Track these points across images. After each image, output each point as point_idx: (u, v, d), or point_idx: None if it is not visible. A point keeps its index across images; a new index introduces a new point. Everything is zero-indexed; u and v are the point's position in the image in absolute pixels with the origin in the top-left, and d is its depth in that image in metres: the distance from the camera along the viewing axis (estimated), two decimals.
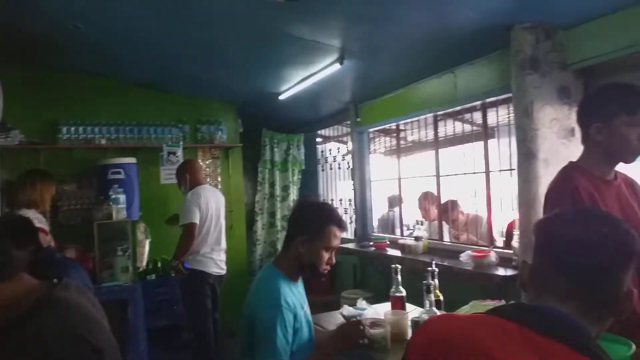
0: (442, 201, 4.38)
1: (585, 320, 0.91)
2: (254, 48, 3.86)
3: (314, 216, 1.97)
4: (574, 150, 2.91)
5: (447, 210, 4.39)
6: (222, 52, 4.09)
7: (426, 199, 4.73)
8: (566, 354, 0.78)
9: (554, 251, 0.97)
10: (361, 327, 1.87)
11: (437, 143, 4.32)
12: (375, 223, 5.52)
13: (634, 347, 1.34)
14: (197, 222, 3.99)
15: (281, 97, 4.97)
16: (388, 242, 4.67)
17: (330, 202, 6.08)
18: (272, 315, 1.81)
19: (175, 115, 5.41)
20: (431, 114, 4.26)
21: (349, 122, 5.42)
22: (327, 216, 1.96)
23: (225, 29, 3.51)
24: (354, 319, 2.10)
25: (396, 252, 4.31)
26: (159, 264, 4.85)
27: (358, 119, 5.17)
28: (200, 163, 5.31)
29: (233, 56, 4.16)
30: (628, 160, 1.82)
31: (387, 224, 5.47)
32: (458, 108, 3.91)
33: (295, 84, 4.56)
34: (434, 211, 4.62)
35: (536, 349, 0.79)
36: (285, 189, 6.17)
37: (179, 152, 5.11)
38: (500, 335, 0.83)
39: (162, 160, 5.07)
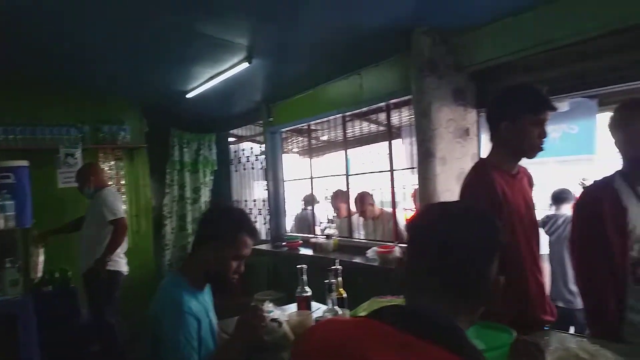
0: (355, 196, 4.48)
1: (460, 315, 0.94)
2: (158, 44, 3.70)
3: (226, 223, 1.88)
4: (469, 149, 3.12)
5: (359, 202, 4.49)
6: (122, 47, 3.87)
7: (338, 197, 4.82)
8: (441, 356, 0.81)
9: (423, 248, 0.98)
10: (260, 313, 1.84)
11: (346, 143, 4.42)
12: (291, 222, 5.54)
13: (515, 333, 1.45)
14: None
15: (189, 96, 4.81)
16: (301, 242, 4.69)
17: (243, 206, 6.01)
18: (175, 323, 1.73)
19: (73, 115, 5.05)
20: (340, 115, 4.34)
21: (261, 122, 5.38)
22: (240, 224, 1.88)
23: (124, 23, 3.33)
24: (253, 306, 2.06)
25: (309, 251, 4.34)
26: (57, 274, 4.50)
27: (270, 119, 5.15)
28: (102, 165, 5.00)
29: (134, 51, 3.95)
30: (531, 155, 1.98)
31: (303, 223, 5.50)
32: (365, 109, 4.02)
33: (203, 82, 4.43)
34: (345, 209, 4.72)
35: (412, 352, 0.81)
36: (197, 190, 5.98)
37: (78, 154, 4.77)
38: (379, 339, 0.83)
39: (58, 162, 4.71)
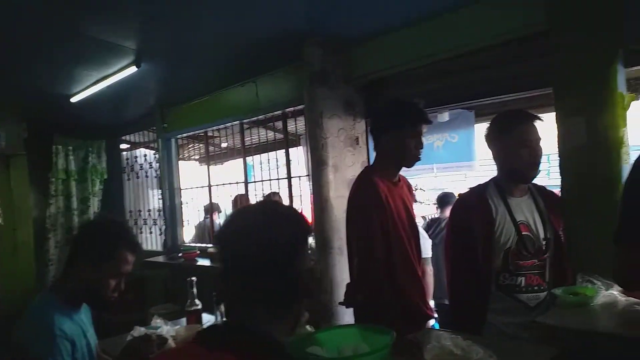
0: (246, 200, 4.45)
1: (275, 318, 0.94)
2: (32, 41, 3.39)
3: (103, 238, 1.75)
4: (359, 157, 3.24)
5: (237, 204, 4.47)
6: None
7: (237, 202, 4.75)
8: None
9: (225, 257, 0.97)
10: (150, 342, 1.76)
11: (244, 150, 4.38)
12: (192, 232, 5.36)
13: (394, 335, 1.52)
14: None
15: (74, 100, 4.48)
16: (198, 252, 4.56)
17: (138, 216, 5.72)
18: (44, 349, 1.59)
19: None
20: (238, 122, 4.30)
21: (155, 128, 5.16)
22: (119, 239, 1.76)
23: None
24: (144, 334, 1.97)
25: (207, 262, 4.23)
26: None
27: (165, 125, 4.96)
28: None
29: (3, 48, 3.59)
30: (409, 164, 2.12)
31: (204, 233, 5.35)
32: (261, 117, 4.02)
33: (88, 85, 4.15)
34: None
35: None
36: (84, 201, 5.57)
37: None
38: None
39: None
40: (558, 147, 2.15)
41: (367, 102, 3.23)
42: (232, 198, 4.84)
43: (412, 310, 2.00)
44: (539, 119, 2.00)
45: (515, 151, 1.95)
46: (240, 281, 0.94)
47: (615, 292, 1.66)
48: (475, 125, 3.93)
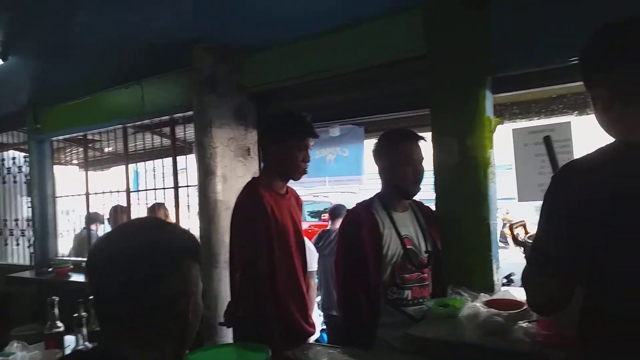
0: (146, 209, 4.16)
1: (149, 344, 0.89)
2: None
3: None
4: (250, 167, 3.18)
5: (114, 216, 4.20)
6: None
7: (117, 213, 4.41)
8: None
9: (93, 282, 0.91)
10: None
11: (127, 156, 4.10)
12: (70, 244, 4.88)
13: (269, 353, 1.47)
14: None
15: None
16: (71, 267, 4.15)
17: (2, 226, 5.09)
18: None
19: None
20: (121, 126, 4.02)
21: (27, 128, 4.65)
22: None
23: None
24: None
25: (82, 278, 3.86)
26: None
27: (38, 125, 4.48)
28: None
29: None
30: (296, 177, 2.10)
31: (83, 245, 4.88)
32: (147, 121, 3.80)
33: None
34: None
35: None
36: None
37: None
38: None
39: None
40: (433, 165, 2.27)
41: (259, 113, 3.19)
42: (111, 209, 4.49)
43: (293, 327, 1.97)
44: (423, 139, 2.10)
45: (399, 168, 2.04)
46: (107, 305, 0.90)
47: (478, 304, 1.77)
48: (365, 140, 4.05)
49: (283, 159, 2.03)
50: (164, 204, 4.03)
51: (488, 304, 1.78)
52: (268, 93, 3.11)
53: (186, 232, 1.01)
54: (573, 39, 1.78)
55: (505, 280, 3.59)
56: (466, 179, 2.18)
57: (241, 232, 1.94)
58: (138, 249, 0.90)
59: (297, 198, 2.25)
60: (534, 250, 1.13)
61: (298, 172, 2.06)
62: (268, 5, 2.55)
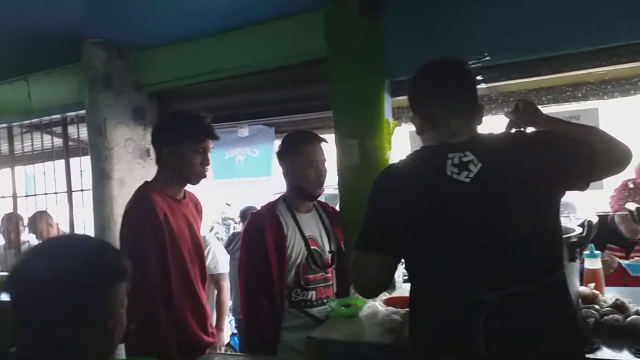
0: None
1: None
2: None
3: None
4: (150, 170, 3.00)
5: (35, 223, 3.81)
6: None
7: (36, 220, 3.96)
8: None
9: (14, 304, 0.87)
10: None
11: (13, 158, 3.73)
12: None
13: None
14: None
15: None
16: None
17: None
18: None
19: None
20: (5, 125, 3.65)
21: None
22: None
23: None
24: None
25: None
26: None
27: None
28: None
29: None
30: (194, 182, 1.97)
31: None
32: (36, 120, 3.48)
33: None
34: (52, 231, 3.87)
35: None
36: None
37: None
38: None
39: None
40: (337, 166, 2.30)
41: (161, 112, 3.03)
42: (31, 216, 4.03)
43: (190, 338, 1.88)
44: (324, 140, 2.11)
45: (302, 170, 2.03)
46: (32, 327, 0.87)
47: (376, 303, 1.81)
48: (275, 141, 4.03)
49: (178, 162, 1.90)
50: (46, 212, 3.70)
51: (387, 302, 1.83)
52: (169, 92, 2.98)
53: (115, 251, 1.02)
54: (463, 48, 1.91)
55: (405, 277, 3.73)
56: (368, 180, 2.22)
57: (130, 241, 1.81)
58: (69, 271, 0.87)
59: (197, 203, 2.14)
60: (373, 234, 1.27)
61: (195, 176, 1.96)
62: (165, 1, 2.42)
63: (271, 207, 2.09)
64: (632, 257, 2.41)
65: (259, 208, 4.14)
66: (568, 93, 1.95)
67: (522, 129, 1.42)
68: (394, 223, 1.21)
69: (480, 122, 1.31)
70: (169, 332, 1.78)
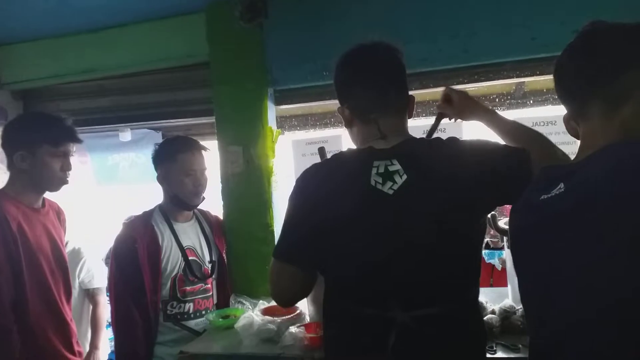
0: None
1: None
2: None
3: None
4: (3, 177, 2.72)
5: None
6: None
7: None
8: None
9: None
10: None
11: None
12: None
13: None
14: None
15: None
16: None
17: None
18: None
19: None
20: None
21: None
22: None
23: None
24: None
25: None
26: None
27: None
28: None
29: None
30: (53, 189, 1.79)
31: None
32: None
33: None
34: None
35: None
36: None
37: None
38: None
39: None
40: (220, 173, 2.24)
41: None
42: None
43: (52, 357, 1.72)
44: (204, 148, 2.04)
45: (178, 179, 1.94)
46: None
47: (253, 313, 1.78)
48: None
49: (34, 167, 1.72)
50: None
51: (264, 311, 1.81)
52: (36, 91, 2.73)
53: None
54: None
55: None
56: (251, 188, 2.21)
57: None
58: None
59: (59, 212, 1.96)
60: (291, 247, 1.17)
61: (55, 182, 1.79)
62: None
63: (146, 217, 1.98)
64: None
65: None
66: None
67: (453, 120, 1.40)
68: (311, 233, 1.11)
69: (410, 116, 1.22)
70: (25, 354, 1.61)
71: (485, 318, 1.58)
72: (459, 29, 1.95)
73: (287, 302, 1.26)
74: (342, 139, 2.17)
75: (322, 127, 2.25)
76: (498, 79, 1.97)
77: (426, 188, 1.06)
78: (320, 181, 1.15)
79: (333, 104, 2.24)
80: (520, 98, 2.09)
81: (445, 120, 1.45)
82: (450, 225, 1.04)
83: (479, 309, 1.17)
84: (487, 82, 1.98)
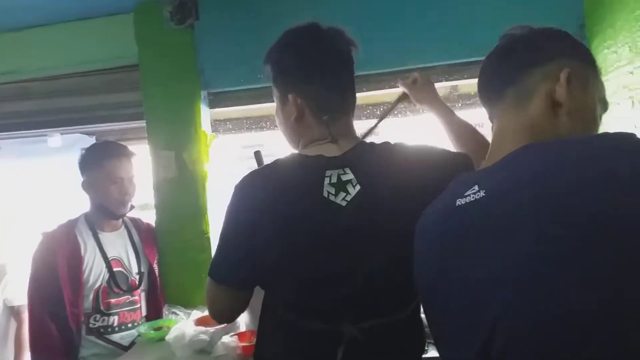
0: None
1: None
2: None
3: None
4: None
5: None
6: None
7: None
8: None
9: None
10: None
11: None
12: None
13: None
14: None
15: None
16: None
17: None
18: None
19: None
20: None
21: None
22: None
23: None
24: None
25: None
26: None
27: None
28: None
29: None
30: None
31: None
32: None
33: None
34: None
35: None
36: None
37: None
38: None
39: None
40: (152, 179, 2.17)
41: None
42: None
43: None
44: (132, 154, 1.96)
45: (103, 187, 1.87)
46: None
47: (185, 324, 1.72)
48: None
49: None
50: None
51: (198, 321, 1.76)
52: None
53: None
54: None
55: None
56: (185, 194, 2.14)
57: None
58: None
59: None
60: (226, 261, 1.08)
61: None
62: None
63: (69, 226, 1.89)
64: None
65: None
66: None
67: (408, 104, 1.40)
68: (251, 251, 1.02)
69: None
70: None
71: None
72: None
73: (226, 320, 1.21)
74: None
75: (258, 131, 2.22)
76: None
77: (376, 202, 1.00)
78: (262, 192, 1.03)
79: (269, 107, 2.23)
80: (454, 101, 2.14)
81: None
82: (398, 241, 0.94)
83: (420, 318, 1.09)
84: None
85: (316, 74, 1.07)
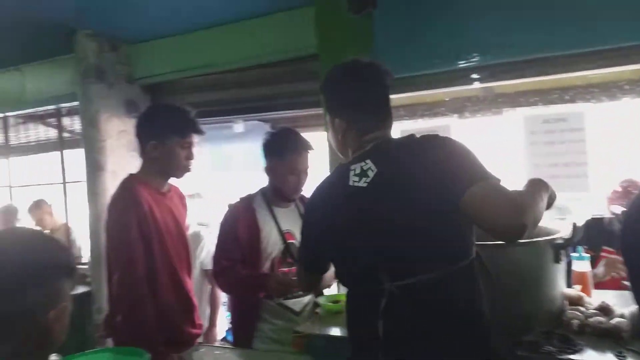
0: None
1: (12, 357, 0.89)
2: None
3: None
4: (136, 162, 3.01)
5: (33, 211, 3.80)
6: None
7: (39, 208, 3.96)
8: None
9: None
10: None
11: (8, 149, 3.73)
12: None
13: (149, 357, 1.40)
14: None
15: None
16: None
17: None
18: None
19: None
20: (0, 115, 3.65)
21: None
22: None
23: None
24: None
25: None
26: None
27: None
28: None
29: None
30: (178, 175, 1.96)
31: None
32: (31, 111, 3.48)
33: None
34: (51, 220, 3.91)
35: None
36: None
37: None
38: None
39: None
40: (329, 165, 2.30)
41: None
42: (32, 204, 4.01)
43: (176, 330, 1.89)
44: (311, 148, 2.10)
45: (282, 175, 2.02)
46: None
47: None
48: None
49: (163, 156, 1.87)
50: (44, 200, 3.68)
51: None
52: (161, 86, 2.98)
53: (59, 247, 1.02)
54: (457, 43, 1.90)
55: None
56: None
57: (116, 233, 1.81)
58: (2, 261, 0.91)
59: (182, 197, 2.14)
60: (301, 252, 1.55)
61: (180, 170, 1.95)
62: None
63: (248, 200, 2.09)
64: None
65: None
66: (556, 95, 1.93)
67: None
68: (314, 243, 1.41)
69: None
70: (155, 324, 1.78)
71: (613, 322, 1.47)
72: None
73: (310, 291, 1.89)
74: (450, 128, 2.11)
75: (432, 117, 2.20)
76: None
77: (394, 175, 1.22)
78: (319, 197, 1.38)
79: (443, 92, 2.20)
80: None
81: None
82: (419, 204, 1.18)
83: (471, 279, 1.25)
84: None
85: (355, 104, 1.32)
